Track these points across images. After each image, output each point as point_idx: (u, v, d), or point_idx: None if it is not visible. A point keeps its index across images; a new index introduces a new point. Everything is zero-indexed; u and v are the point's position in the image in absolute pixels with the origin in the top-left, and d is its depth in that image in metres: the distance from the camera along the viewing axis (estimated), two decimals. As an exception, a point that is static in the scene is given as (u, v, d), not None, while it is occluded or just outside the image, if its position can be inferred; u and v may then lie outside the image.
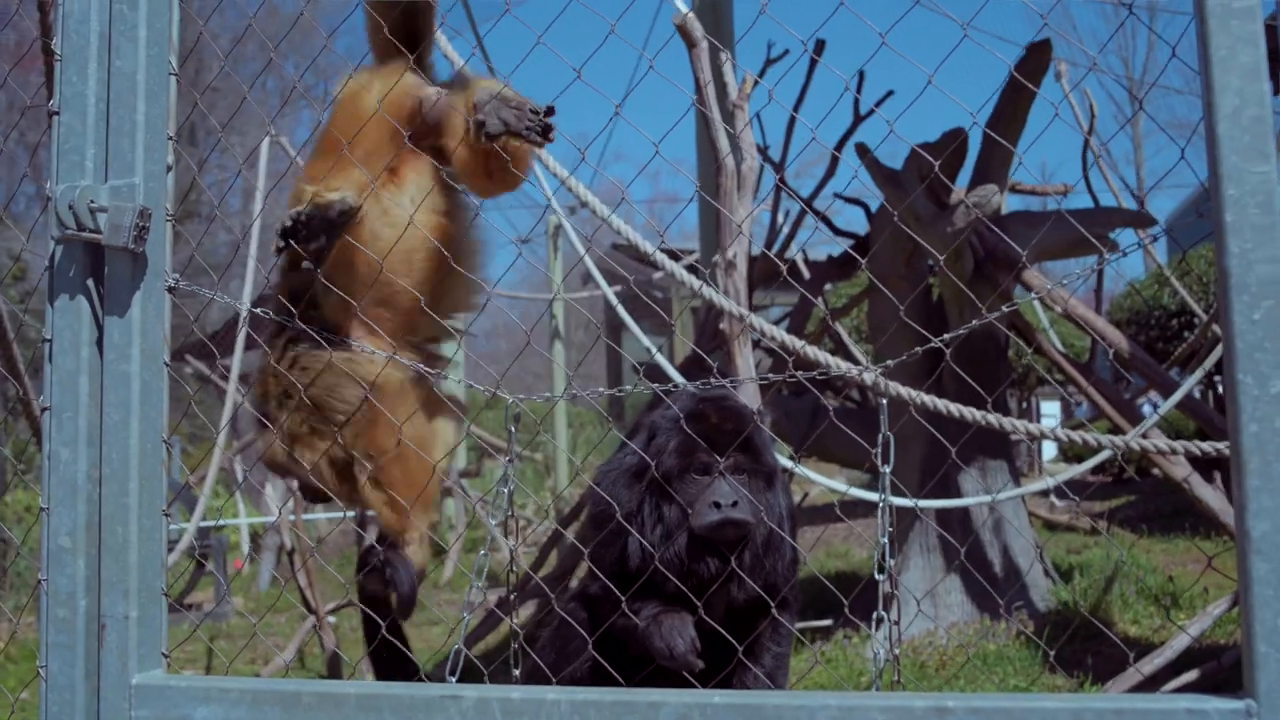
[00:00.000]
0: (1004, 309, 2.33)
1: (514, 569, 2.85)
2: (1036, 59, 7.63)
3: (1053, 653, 3.10)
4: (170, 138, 2.53)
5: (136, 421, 2.41)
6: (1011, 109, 7.82)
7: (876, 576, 2.24)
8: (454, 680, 2.38)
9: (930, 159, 6.99)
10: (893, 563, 2.22)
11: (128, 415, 2.41)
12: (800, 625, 7.93)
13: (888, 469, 2.22)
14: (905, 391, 3.06)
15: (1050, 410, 23.93)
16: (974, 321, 2.24)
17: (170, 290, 2.52)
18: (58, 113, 2.50)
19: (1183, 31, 2.32)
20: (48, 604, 2.42)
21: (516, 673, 2.75)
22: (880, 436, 2.21)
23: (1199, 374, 6.04)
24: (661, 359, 5.77)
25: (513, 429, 2.57)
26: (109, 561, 2.40)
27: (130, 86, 2.47)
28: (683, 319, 15.08)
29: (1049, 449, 20.50)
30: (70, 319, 2.45)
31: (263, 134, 10.30)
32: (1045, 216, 8.79)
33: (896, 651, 2.22)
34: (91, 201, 2.39)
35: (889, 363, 2.27)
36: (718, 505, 2.84)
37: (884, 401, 2.23)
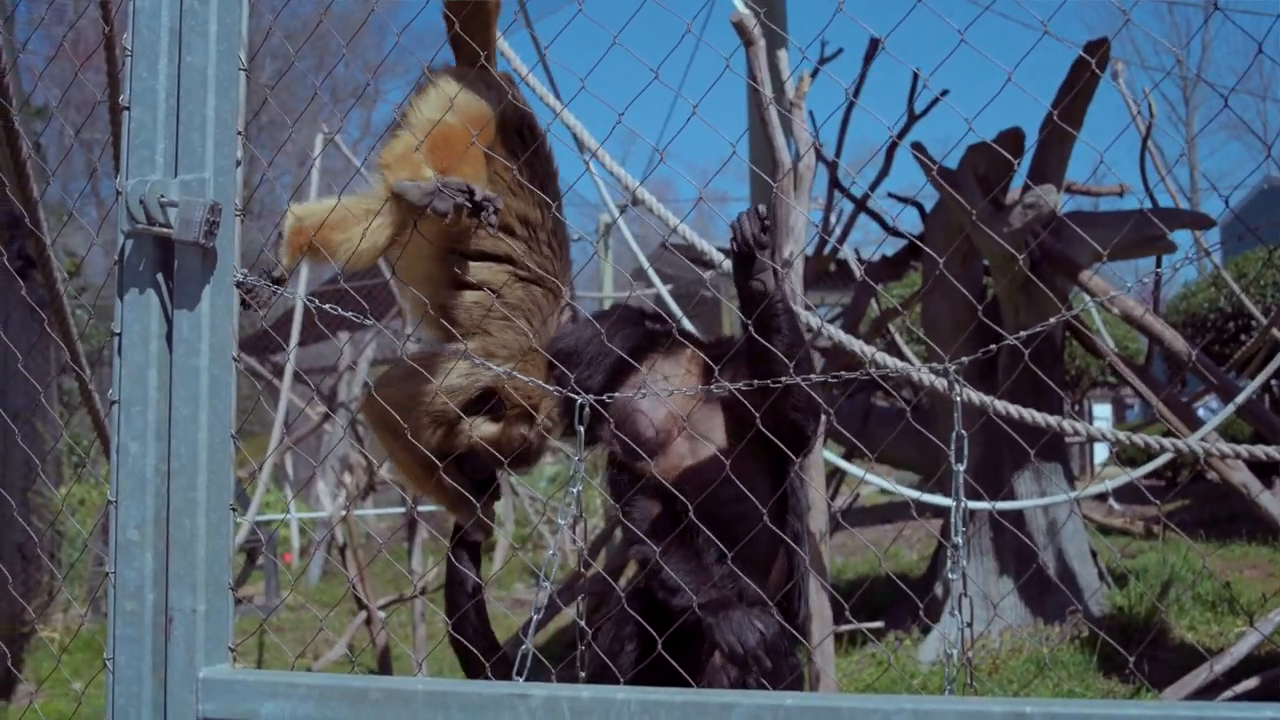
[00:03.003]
0: (1081, 309, 2.30)
1: (583, 568, 2.84)
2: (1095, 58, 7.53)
3: (1131, 659, 3.04)
4: (239, 133, 2.54)
5: (205, 416, 2.40)
6: (1069, 108, 7.73)
7: (950, 576, 2.20)
8: (521, 679, 2.36)
9: (1004, 153, 6.92)
10: (965, 565, 2.18)
11: (196, 409, 2.41)
12: (851, 627, 7.90)
13: (961, 467, 2.18)
14: (976, 395, 3.02)
15: (1102, 412, 23.71)
16: (1052, 319, 2.21)
17: (239, 285, 2.53)
18: (128, 107, 2.50)
19: (1268, 29, 2.28)
20: (116, 597, 2.42)
21: (583, 674, 2.74)
22: (954, 436, 2.16)
23: (1263, 376, 5.94)
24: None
25: (581, 429, 2.55)
26: (176, 555, 2.40)
27: (200, 81, 2.46)
28: (733, 318, 15.05)
29: (1100, 451, 20.27)
30: (140, 313, 2.45)
31: (313, 131, 10.38)
32: (1103, 217, 8.69)
33: (970, 655, 2.18)
34: (162, 196, 2.39)
35: (964, 360, 2.23)
36: None
37: (959, 401, 2.19)
